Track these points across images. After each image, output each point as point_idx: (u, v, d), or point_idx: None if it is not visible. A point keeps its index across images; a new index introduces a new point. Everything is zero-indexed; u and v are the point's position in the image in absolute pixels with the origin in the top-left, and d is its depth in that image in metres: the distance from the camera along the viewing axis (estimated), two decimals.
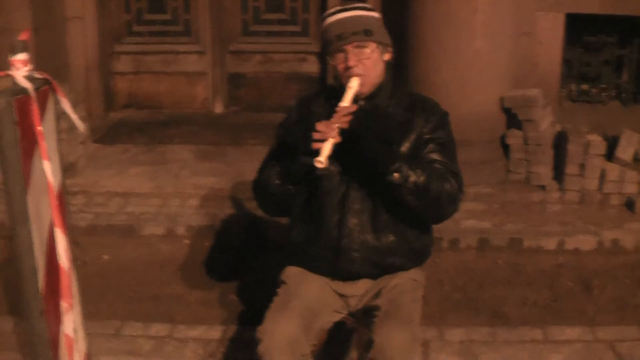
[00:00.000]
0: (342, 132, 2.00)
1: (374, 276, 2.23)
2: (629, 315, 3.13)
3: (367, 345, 2.00)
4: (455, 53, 4.04)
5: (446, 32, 4.04)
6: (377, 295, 2.19)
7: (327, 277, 2.24)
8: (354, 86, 2.08)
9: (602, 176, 3.98)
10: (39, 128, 1.89)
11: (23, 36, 1.89)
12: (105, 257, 3.63)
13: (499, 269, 3.50)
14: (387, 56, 2.20)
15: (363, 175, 2.13)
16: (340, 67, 2.13)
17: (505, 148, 4.23)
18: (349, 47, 2.10)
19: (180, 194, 4.16)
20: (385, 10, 4.55)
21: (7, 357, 2.79)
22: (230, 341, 2.94)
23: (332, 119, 2.01)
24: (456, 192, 2.13)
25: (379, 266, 2.20)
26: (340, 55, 2.12)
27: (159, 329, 3.01)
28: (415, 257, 2.26)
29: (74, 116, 2.07)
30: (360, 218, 2.16)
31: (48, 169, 1.91)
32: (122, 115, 5.58)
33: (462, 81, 4.08)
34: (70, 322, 2.04)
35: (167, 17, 5.54)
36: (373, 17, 2.17)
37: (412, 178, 2.03)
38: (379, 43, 2.14)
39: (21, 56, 1.87)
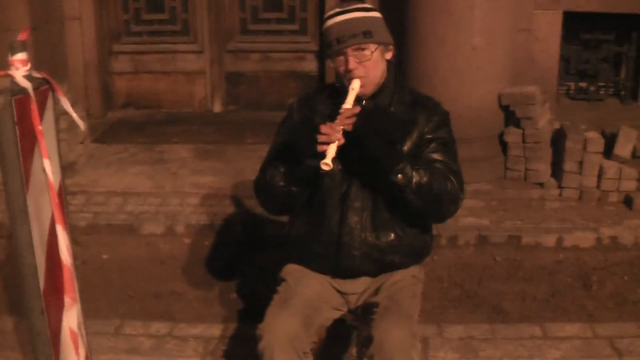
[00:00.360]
0: (346, 134, 1.99)
1: (373, 274, 2.24)
2: (628, 311, 3.14)
3: (366, 341, 2.01)
4: (454, 49, 4.03)
5: (444, 28, 4.02)
6: (376, 292, 2.20)
7: (327, 274, 2.25)
8: (355, 88, 2.07)
9: (601, 173, 3.98)
10: (39, 127, 1.89)
11: (22, 36, 1.89)
12: (105, 256, 3.63)
13: (497, 265, 3.50)
14: (388, 55, 2.18)
15: (364, 173, 2.13)
16: (341, 69, 2.12)
17: (504, 145, 4.23)
18: (349, 50, 2.07)
19: (180, 192, 4.16)
20: (382, 5, 4.53)
21: (8, 355, 2.80)
22: (231, 339, 2.95)
23: (336, 122, 2.00)
24: (457, 192, 2.13)
25: (379, 264, 2.21)
26: (341, 58, 2.10)
27: (159, 327, 3.01)
28: (415, 255, 2.27)
29: (74, 114, 2.07)
30: (360, 216, 2.17)
31: (48, 167, 1.91)
32: (121, 114, 5.59)
33: (461, 77, 4.07)
34: (74, 317, 2.05)
35: (165, 16, 5.53)
36: (373, 17, 2.13)
37: (415, 178, 2.04)
38: (379, 43, 2.12)
39: (20, 56, 1.86)
